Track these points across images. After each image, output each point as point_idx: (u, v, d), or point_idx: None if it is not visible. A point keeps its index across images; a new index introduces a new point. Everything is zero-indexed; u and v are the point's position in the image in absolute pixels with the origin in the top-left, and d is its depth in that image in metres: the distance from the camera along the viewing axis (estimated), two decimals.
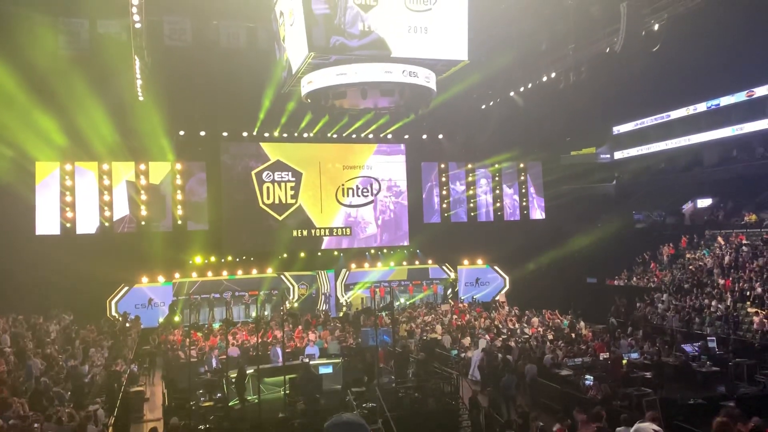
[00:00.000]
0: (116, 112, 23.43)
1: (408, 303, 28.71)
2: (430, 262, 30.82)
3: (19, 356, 15.17)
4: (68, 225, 25.94)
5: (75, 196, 26.11)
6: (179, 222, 27.65)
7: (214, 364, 17.71)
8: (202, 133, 27.79)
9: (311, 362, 16.22)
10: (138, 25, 17.96)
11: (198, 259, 27.52)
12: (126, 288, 25.84)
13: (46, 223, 25.65)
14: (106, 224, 26.55)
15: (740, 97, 28.66)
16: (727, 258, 25.60)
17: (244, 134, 28.59)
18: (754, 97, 28.03)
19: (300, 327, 22.47)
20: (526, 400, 15.25)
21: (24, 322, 19.36)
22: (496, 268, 31.22)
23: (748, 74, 27.48)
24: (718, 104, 29.58)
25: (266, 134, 28.78)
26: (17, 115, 21.53)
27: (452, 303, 28.40)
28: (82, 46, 21.80)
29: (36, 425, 10.27)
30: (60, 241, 25.20)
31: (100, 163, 26.42)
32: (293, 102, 24.13)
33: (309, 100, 20.56)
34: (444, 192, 32.25)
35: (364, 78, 18.42)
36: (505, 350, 18.35)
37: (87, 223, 26.34)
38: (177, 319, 25.28)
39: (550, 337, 20.85)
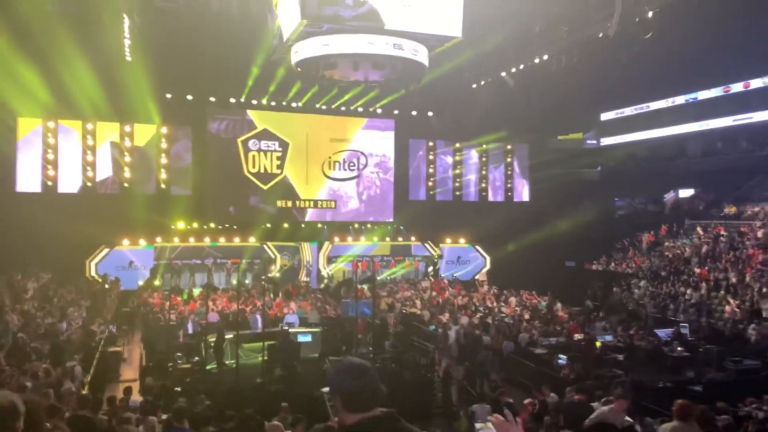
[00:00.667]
0: (103, 72, 23.00)
1: (389, 278, 28.91)
2: (413, 239, 30.94)
3: None
4: (50, 183, 25.63)
5: (57, 155, 25.77)
6: (163, 186, 27.41)
7: (190, 330, 17.75)
8: (190, 98, 27.43)
9: (291, 330, 16.34)
10: None
11: (180, 225, 27.33)
12: (107, 249, 25.70)
13: (28, 180, 25.33)
14: (89, 184, 26.26)
15: (718, 91, 29.05)
16: (705, 248, 26.04)
17: (232, 101, 28.27)
18: (730, 92, 28.39)
19: (280, 296, 22.56)
20: (500, 376, 15.52)
21: (2, 279, 19.25)
22: (477, 247, 31.46)
23: (733, 68, 27.67)
24: (695, 98, 29.97)
25: (254, 102, 28.48)
26: (1, 69, 21.13)
27: (433, 280, 28.64)
28: (71, 4, 21.39)
29: (12, 379, 10.29)
30: (41, 199, 24.90)
31: (85, 122, 26.04)
32: (283, 70, 23.92)
33: (299, 69, 20.39)
34: (431, 170, 32.27)
35: (355, 49, 18.32)
36: (483, 327, 18.63)
37: (69, 182, 26.05)
38: (157, 282, 25.25)
39: (527, 316, 21.15)
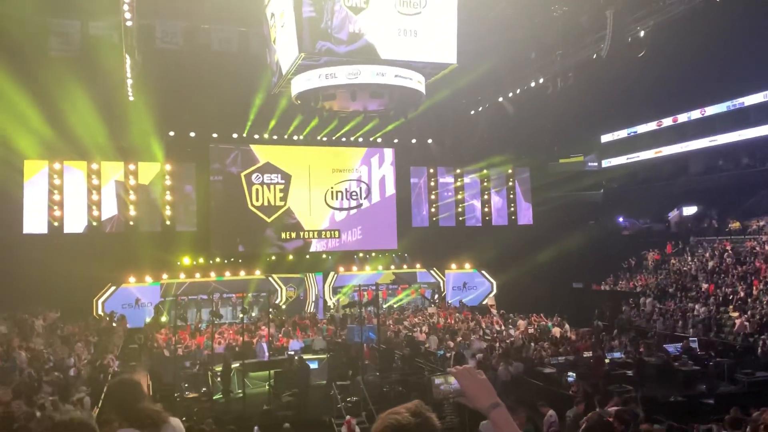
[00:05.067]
0: (106, 112, 23.47)
1: (396, 306, 28.82)
2: (417, 266, 30.94)
3: (5, 349, 15.17)
4: (56, 224, 25.86)
5: (63, 195, 26.07)
6: (168, 222, 27.65)
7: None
8: (192, 135, 27.84)
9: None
10: (129, 23, 18.09)
11: (186, 260, 27.48)
12: (113, 288, 25.76)
13: (34, 221, 25.58)
14: (94, 224, 26.49)
15: (723, 107, 29.29)
16: (711, 263, 25.95)
17: (234, 136, 28.66)
18: (737, 107, 28.66)
19: (284, 329, 22.47)
20: (510, 397, 15.37)
21: (10, 318, 19.34)
22: (483, 272, 31.39)
23: (733, 84, 27.95)
24: (697, 115, 30.23)
25: (256, 136, 28.87)
26: (7, 113, 21.58)
27: (439, 306, 28.53)
28: (73, 48, 21.94)
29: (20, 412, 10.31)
30: (47, 240, 25.13)
31: (90, 162, 26.40)
32: (283, 104, 24.28)
33: (299, 102, 20.72)
34: (432, 196, 32.42)
35: (353, 80, 18.61)
36: (489, 351, 18.56)
37: (75, 223, 26.29)
38: (164, 319, 25.26)
39: (536, 337, 21.03)
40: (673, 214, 33.07)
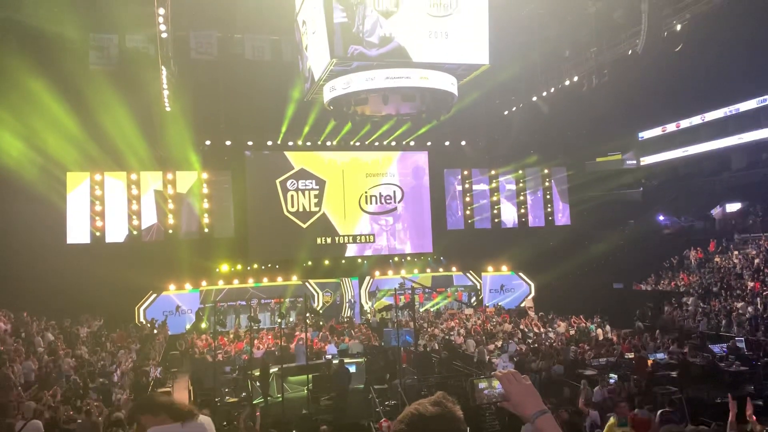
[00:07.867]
0: (145, 123, 24.05)
1: (433, 309, 28.70)
2: (454, 269, 30.78)
3: (52, 356, 15.58)
4: (98, 234, 26.50)
5: (104, 206, 26.71)
6: (206, 230, 28.09)
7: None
8: (228, 143, 28.28)
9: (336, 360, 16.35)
10: (164, 35, 18.46)
11: (224, 267, 27.88)
12: (154, 295, 26.27)
13: (77, 231, 26.26)
14: (135, 233, 27.06)
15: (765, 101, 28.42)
16: (756, 261, 25.19)
17: (269, 143, 29.04)
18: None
19: (322, 332, 22.57)
20: (551, 400, 15.14)
21: (56, 327, 19.84)
22: (521, 274, 31.05)
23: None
24: (737, 109, 29.40)
25: (290, 143, 29.18)
26: (51, 126, 22.26)
27: (477, 309, 28.31)
28: (112, 61, 22.53)
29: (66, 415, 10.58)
30: (90, 250, 25.74)
31: (129, 172, 27.00)
32: (316, 110, 24.50)
33: (331, 108, 20.84)
34: (467, 198, 32.23)
35: (385, 84, 18.62)
36: (532, 353, 18.34)
37: (116, 232, 26.89)
38: (204, 325, 25.63)
39: (576, 339, 20.70)
40: (716, 211, 32.22)
